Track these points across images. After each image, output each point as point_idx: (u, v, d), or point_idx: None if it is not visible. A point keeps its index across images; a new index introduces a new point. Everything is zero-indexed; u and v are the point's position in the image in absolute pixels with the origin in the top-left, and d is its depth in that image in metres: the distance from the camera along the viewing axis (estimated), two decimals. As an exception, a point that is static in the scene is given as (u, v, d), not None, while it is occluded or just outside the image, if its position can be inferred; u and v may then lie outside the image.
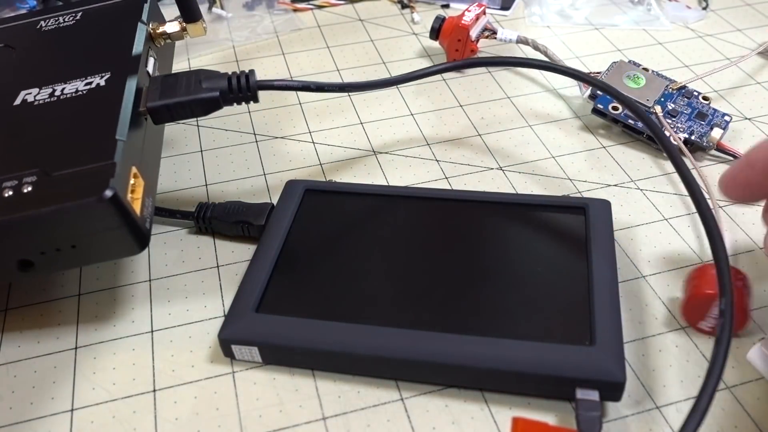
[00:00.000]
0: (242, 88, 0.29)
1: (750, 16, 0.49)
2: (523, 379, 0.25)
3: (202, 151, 0.38)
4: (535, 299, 0.27)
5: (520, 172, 0.36)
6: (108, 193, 0.23)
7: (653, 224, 0.33)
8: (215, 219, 0.32)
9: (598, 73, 0.40)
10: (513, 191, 0.35)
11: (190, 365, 0.28)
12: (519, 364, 0.25)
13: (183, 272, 0.31)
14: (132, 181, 0.25)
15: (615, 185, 0.35)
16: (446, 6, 0.51)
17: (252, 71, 0.30)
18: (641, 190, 0.35)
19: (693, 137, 0.37)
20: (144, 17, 0.32)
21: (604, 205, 0.31)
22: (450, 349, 0.25)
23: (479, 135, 0.39)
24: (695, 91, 0.39)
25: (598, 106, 0.38)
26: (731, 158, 0.37)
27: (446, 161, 0.37)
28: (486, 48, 0.46)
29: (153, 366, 0.28)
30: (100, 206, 0.23)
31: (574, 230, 0.30)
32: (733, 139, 0.38)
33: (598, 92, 0.38)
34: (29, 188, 0.24)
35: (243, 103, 0.30)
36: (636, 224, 0.33)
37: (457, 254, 0.29)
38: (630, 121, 0.37)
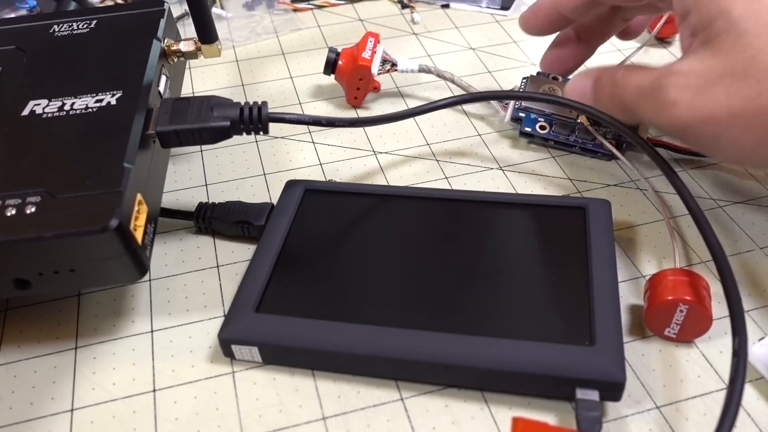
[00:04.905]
0: (253, 120, 0.29)
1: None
2: (523, 379, 0.25)
3: (202, 150, 0.38)
4: (535, 299, 0.27)
5: (520, 172, 0.36)
6: (113, 223, 0.23)
7: (653, 224, 0.33)
8: (215, 219, 0.32)
9: (512, 90, 0.40)
10: (513, 191, 0.35)
11: (190, 365, 0.28)
12: (519, 364, 0.25)
13: (183, 272, 0.31)
14: (136, 209, 0.25)
15: (615, 185, 0.35)
16: (446, 6, 0.51)
17: (264, 103, 0.29)
18: (641, 190, 0.35)
19: (624, 138, 0.35)
20: (159, 34, 0.32)
21: (604, 205, 0.31)
22: (450, 349, 0.25)
23: (479, 135, 0.39)
24: None
25: (526, 129, 0.37)
26: (665, 149, 0.36)
27: (446, 161, 0.37)
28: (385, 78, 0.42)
29: (153, 366, 0.28)
30: (104, 236, 0.23)
31: (573, 230, 0.30)
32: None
33: (521, 114, 0.37)
34: (33, 209, 0.24)
35: (252, 133, 0.30)
36: (636, 224, 0.33)
37: (457, 254, 0.29)
38: (560, 137, 0.36)
